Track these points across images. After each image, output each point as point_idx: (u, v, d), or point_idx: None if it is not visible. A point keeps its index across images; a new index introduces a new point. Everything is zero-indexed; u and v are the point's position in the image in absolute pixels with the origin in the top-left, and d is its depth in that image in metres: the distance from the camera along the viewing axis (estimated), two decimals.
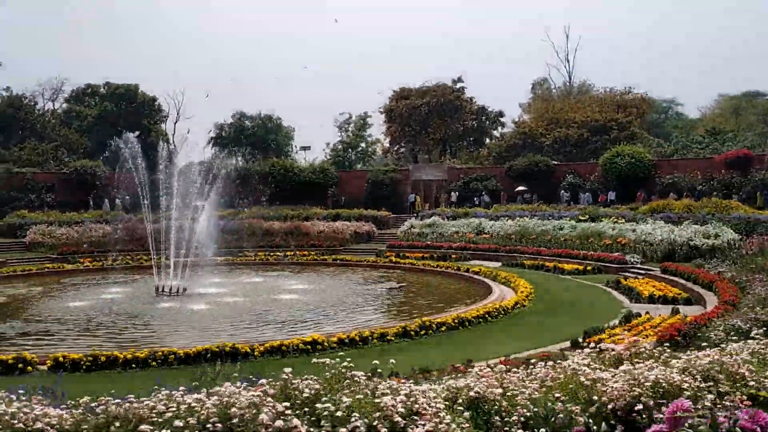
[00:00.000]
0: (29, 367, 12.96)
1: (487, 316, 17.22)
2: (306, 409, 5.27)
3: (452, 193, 48.93)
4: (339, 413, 4.95)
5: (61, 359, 13.08)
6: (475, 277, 26.11)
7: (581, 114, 62.85)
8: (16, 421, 5.26)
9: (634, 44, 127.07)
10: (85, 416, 5.31)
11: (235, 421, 4.91)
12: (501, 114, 79.02)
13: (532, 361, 9.04)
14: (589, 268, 27.55)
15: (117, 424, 5.19)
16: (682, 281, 22.13)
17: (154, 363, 13.22)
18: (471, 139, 78.76)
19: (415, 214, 45.73)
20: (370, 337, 14.84)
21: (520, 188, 46.76)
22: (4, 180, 46.98)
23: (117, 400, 5.60)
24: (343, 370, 6.03)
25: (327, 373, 6.05)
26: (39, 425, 5.20)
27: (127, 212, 44.14)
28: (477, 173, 49.88)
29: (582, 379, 5.48)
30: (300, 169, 54.22)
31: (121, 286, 25.51)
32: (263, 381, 5.34)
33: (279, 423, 4.78)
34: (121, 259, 34.34)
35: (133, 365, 13.11)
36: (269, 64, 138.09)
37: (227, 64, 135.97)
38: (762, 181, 37.26)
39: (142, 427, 4.90)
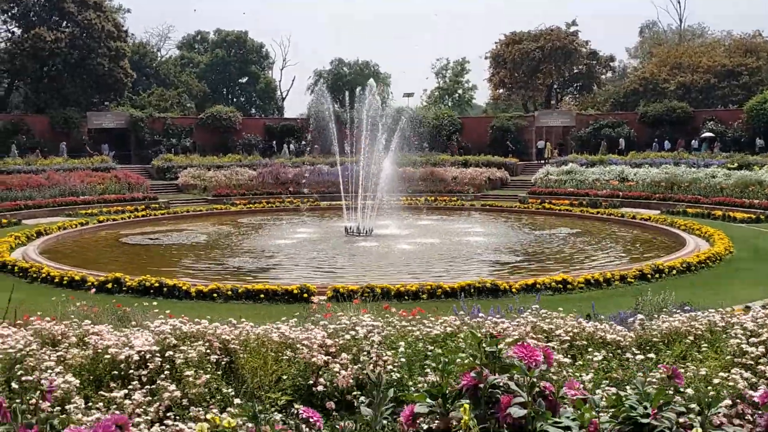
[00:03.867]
0: (312, 297, 14.04)
1: (707, 261, 17.38)
2: None
3: (620, 140, 47.50)
4: None
5: (340, 290, 14.09)
6: (649, 224, 26.09)
7: (707, 58, 60.40)
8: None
9: None
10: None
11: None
12: (612, 58, 76.40)
13: None
14: (762, 216, 27.08)
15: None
16: None
17: (423, 296, 14.08)
18: (578, 84, 76.99)
19: (545, 161, 45.51)
20: (612, 279, 15.30)
21: (706, 135, 45.17)
22: (147, 125, 49.24)
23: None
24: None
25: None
26: (612, 337, 5.86)
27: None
28: (608, 119, 49.01)
29: None
30: (423, 116, 54.49)
31: (305, 227, 26.72)
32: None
33: None
34: (307, 201, 36.06)
35: (405, 297, 14.00)
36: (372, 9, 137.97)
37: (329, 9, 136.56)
38: None
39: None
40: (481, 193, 40.10)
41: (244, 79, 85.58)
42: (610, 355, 5.41)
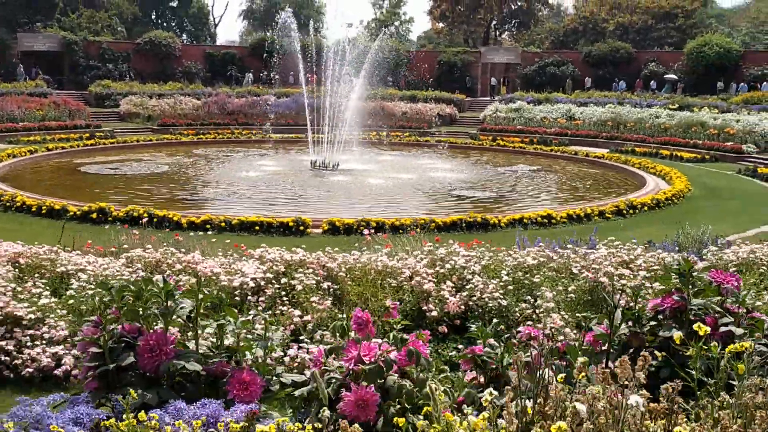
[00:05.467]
0: (309, 230, 14.07)
1: (673, 198, 18.25)
2: None
3: (586, 78, 47.79)
4: None
5: (336, 223, 14.16)
6: (604, 161, 26.99)
7: None
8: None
9: None
10: None
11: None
12: None
13: None
14: (706, 156, 28.40)
15: None
16: None
17: (417, 229, 14.29)
18: (516, 21, 77.39)
19: (498, 98, 45.81)
20: (591, 214, 15.90)
21: (669, 76, 45.42)
22: (82, 49, 46.77)
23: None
24: None
25: None
26: None
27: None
28: (553, 58, 49.66)
29: None
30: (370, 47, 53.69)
31: (267, 159, 26.31)
32: None
33: None
34: (258, 133, 35.14)
35: (400, 231, 14.17)
36: None
37: None
38: None
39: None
40: (432, 129, 40.27)
41: (175, 3, 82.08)
42: None
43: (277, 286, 5.25)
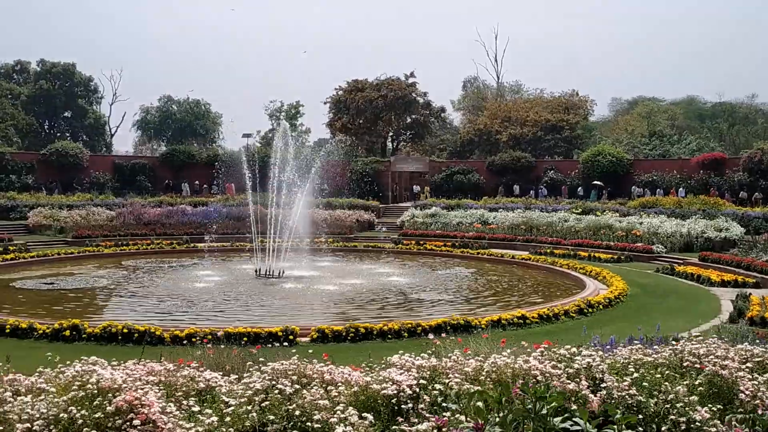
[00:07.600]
0: (297, 339, 13.91)
1: (620, 297, 19.41)
2: None
3: (515, 186, 49.58)
4: None
5: (326, 330, 14.09)
6: (531, 263, 28.25)
7: (533, 113, 66.58)
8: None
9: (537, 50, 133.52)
10: None
11: None
12: (443, 109, 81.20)
13: None
14: (622, 257, 30.35)
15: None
16: (732, 268, 25.20)
17: (405, 334, 14.46)
18: (411, 133, 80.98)
19: (413, 204, 47.21)
20: (558, 313, 16.65)
21: (596, 182, 47.46)
22: None
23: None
24: None
25: None
26: None
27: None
28: (459, 166, 52.24)
29: None
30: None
31: (207, 269, 25.76)
32: None
33: None
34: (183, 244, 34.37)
35: (389, 336, 14.30)
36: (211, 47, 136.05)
37: (164, 47, 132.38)
38: (739, 182, 41.86)
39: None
40: (353, 235, 40.92)
41: (69, 113, 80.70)
42: None
43: (435, 392, 5.35)
